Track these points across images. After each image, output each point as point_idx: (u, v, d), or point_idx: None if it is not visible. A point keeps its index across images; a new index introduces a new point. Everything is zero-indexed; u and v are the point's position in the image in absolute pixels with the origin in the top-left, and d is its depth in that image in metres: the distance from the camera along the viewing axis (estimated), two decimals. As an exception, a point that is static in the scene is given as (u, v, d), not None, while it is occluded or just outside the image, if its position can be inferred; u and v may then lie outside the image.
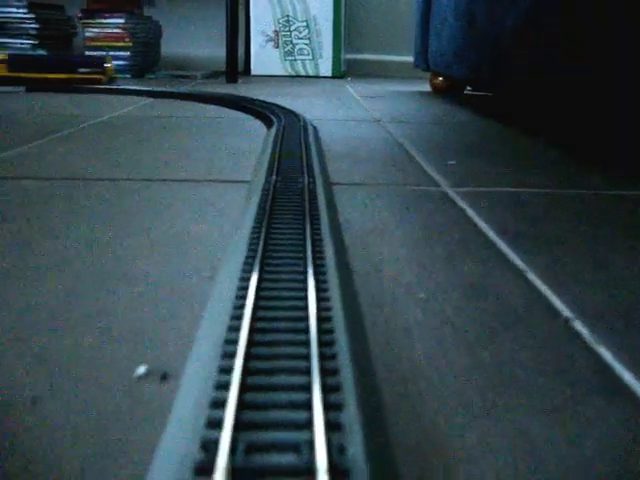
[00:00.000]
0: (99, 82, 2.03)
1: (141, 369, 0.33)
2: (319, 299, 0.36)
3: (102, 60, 2.09)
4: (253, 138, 1.07)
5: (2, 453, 0.27)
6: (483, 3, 1.44)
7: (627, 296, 0.45)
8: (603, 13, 0.92)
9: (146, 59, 2.56)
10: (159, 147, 0.98)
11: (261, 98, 1.62)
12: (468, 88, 2.23)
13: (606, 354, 0.37)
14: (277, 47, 2.83)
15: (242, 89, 2.10)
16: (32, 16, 2.22)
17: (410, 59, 2.35)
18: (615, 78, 0.90)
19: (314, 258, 0.42)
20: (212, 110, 1.50)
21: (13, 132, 1.13)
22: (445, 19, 1.80)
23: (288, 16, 2.80)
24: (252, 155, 0.91)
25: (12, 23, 2.22)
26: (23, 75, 2.00)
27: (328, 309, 0.35)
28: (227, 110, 1.50)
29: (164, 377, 0.32)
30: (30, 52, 2.23)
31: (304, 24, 2.81)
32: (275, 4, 2.80)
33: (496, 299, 0.44)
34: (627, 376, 0.35)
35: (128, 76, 2.41)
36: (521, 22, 1.21)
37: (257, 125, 1.26)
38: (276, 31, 2.82)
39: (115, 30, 2.36)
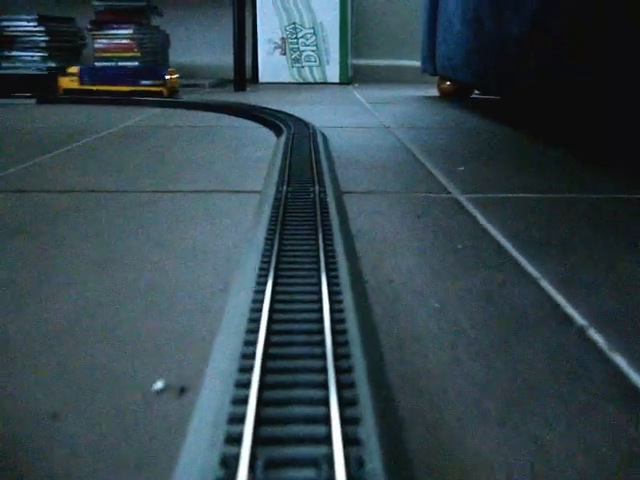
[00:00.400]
0: (160, 94, 1.99)
1: (159, 384, 0.33)
2: (333, 311, 0.36)
3: (163, 72, 2.04)
4: (263, 147, 1.08)
5: (24, 468, 0.27)
6: (490, 8, 1.45)
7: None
8: (604, 15, 0.92)
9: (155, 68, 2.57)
10: (170, 158, 0.99)
11: (269, 106, 1.62)
12: (476, 92, 2.23)
13: (621, 362, 0.37)
14: (284, 54, 2.84)
15: (250, 97, 2.11)
16: (42, 29, 2.24)
17: (417, 64, 2.36)
18: (617, 80, 0.90)
19: (327, 270, 0.43)
20: (221, 119, 1.51)
21: (25, 145, 1.14)
22: (452, 24, 1.80)
23: (295, 23, 2.82)
24: (263, 164, 0.91)
25: (23, 36, 2.24)
26: (93, 88, 2.03)
27: (342, 321, 0.36)
28: (236, 119, 1.50)
29: (182, 391, 0.32)
30: (97, 64, 2.26)
31: (311, 31, 2.82)
32: (282, 11, 2.81)
33: (510, 307, 0.44)
34: (642, 384, 0.35)
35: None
36: (528, 26, 1.21)
37: (266, 133, 1.26)
38: (283, 38, 2.83)
39: (124, 41, 2.37)
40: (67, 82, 2.05)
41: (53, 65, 2.25)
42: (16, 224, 0.62)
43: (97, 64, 2.29)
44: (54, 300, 0.44)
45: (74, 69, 2.06)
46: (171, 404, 0.32)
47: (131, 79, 2.03)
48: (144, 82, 2.00)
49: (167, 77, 2.00)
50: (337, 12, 2.80)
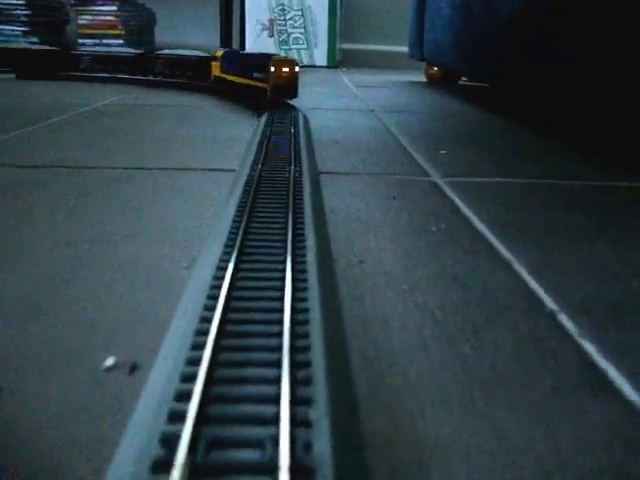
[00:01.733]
0: (263, 93, 1.24)
1: (109, 361, 0.32)
2: (296, 289, 0.35)
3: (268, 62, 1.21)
4: (243, 127, 1.06)
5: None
6: (478, -8, 1.43)
7: (614, 289, 0.44)
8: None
9: (139, 47, 2.53)
10: (147, 136, 0.97)
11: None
12: (463, 79, 2.21)
13: (590, 348, 0.36)
14: (272, 36, 2.81)
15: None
16: (23, 2, 2.20)
17: (405, 49, 2.34)
18: (600, 66, 0.89)
19: (294, 248, 0.41)
20: (204, 100, 1.48)
21: (2, 119, 1.11)
22: (440, 9, 1.79)
23: (283, 5, 2.78)
24: (241, 144, 0.89)
25: (3, 9, 2.20)
26: (228, 78, 1.45)
27: (305, 299, 0.34)
28: (219, 100, 1.48)
29: (133, 369, 0.31)
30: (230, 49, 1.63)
31: (299, 13, 2.78)
32: (270, -8, 2.78)
33: (481, 291, 0.43)
34: (612, 372, 0.34)
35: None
36: (517, 11, 1.20)
37: (248, 114, 1.24)
38: (271, 20, 2.80)
39: (108, 17, 2.33)
40: (215, 68, 1.53)
41: (35, 40, 2.21)
42: (-20, 197, 0.60)
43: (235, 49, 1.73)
44: (13, 272, 0.42)
45: (219, 52, 1.52)
46: (121, 382, 0.30)
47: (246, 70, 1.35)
48: (256, 75, 1.28)
49: (272, 69, 1.18)
50: (326, -6, 2.77)
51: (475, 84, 2.16)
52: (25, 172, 0.70)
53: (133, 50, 1.74)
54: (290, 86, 1.18)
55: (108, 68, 1.77)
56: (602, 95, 0.94)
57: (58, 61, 1.82)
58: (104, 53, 1.79)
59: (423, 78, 2.27)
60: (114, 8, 2.33)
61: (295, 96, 1.20)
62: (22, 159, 0.77)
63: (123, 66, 1.74)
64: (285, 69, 1.15)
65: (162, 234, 0.51)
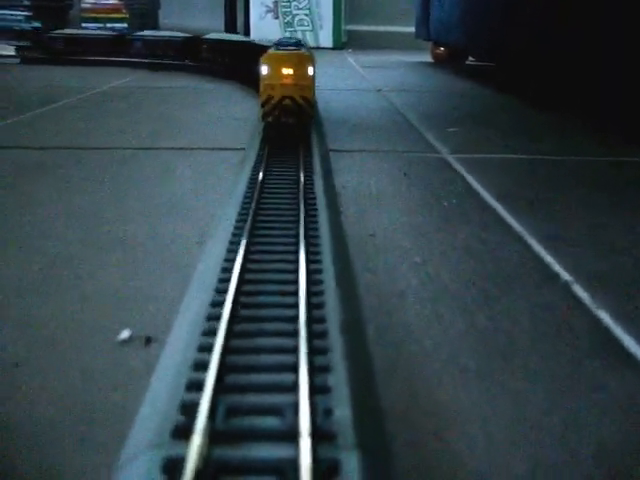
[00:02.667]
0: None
1: (124, 333, 0.32)
2: (309, 261, 0.35)
3: None
4: (252, 107, 1.05)
5: (-21, 419, 0.26)
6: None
7: (626, 260, 0.44)
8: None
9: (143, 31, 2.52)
10: (155, 117, 0.96)
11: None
12: (470, 59, 2.19)
13: (606, 317, 0.36)
14: (277, 18, 2.79)
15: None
16: (26, -13, 2.19)
17: (411, 29, 2.32)
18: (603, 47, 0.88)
19: (306, 223, 0.41)
20: (210, 81, 1.48)
21: (7, 103, 1.11)
22: (447, -13, 1.77)
23: (288, -14, 2.76)
24: (249, 124, 0.89)
25: (6, -6, 2.19)
26: None
27: (319, 271, 0.34)
28: (225, 81, 1.47)
29: (148, 341, 0.31)
30: None
31: (304, -6, 2.76)
32: (274, -26, 2.75)
33: (493, 263, 0.42)
34: (627, 340, 0.34)
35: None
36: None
37: (255, 95, 1.24)
38: (276, 1, 2.78)
39: (111, 1, 2.32)
40: None
41: (38, 25, 2.20)
42: (-10, 178, 0.60)
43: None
44: (26, 251, 0.42)
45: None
46: (136, 354, 0.30)
47: None
48: None
49: (264, 70, 0.66)
50: (331, -25, 2.74)
51: (481, 63, 2.14)
52: (35, 154, 0.70)
53: (182, 35, 1.69)
54: (300, 106, 0.63)
55: (159, 53, 1.69)
56: (605, 75, 0.93)
57: (114, 46, 1.77)
58: (154, 37, 1.73)
59: (429, 58, 2.25)
60: (117, -9, 2.32)
61: (307, 133, 0.65)
62: (32, 141, 0.77)
63: (172, 51, 1.67)
64: (286, 71, 0.63)
65: (173, 212, 0.51)
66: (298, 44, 0.71)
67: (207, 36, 1.62)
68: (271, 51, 0.66)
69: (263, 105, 0.64)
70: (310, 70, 0.64)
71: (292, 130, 0.64)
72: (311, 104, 0.64)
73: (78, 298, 0.36)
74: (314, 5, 2.78)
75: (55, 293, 0.36)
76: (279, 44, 0.70)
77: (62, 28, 2.16)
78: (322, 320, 0.29)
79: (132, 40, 1.72)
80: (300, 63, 0.63)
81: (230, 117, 0.97)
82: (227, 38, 1.60)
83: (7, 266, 0.40)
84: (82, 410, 0.26)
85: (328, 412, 0.23)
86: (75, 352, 0.30)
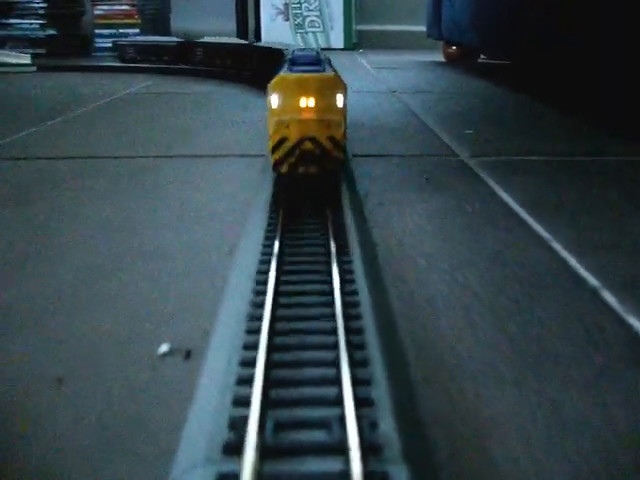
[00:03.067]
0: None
1: (164, 347, 0.32)
2: (342, 271, 0.35)
3: None
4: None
5: (30, 433, 0.26)
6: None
7: (656, 264, 0.44)
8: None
9: (156, 35, 2.54)
10: (173, 123, 0.97)
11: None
12: (482, 57, 2.19)
13: (636, 323, 0.36)
14: (287, 20, 2.80)
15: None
16: (40, -5, 2.21)
17: (423, 29, 2.31)
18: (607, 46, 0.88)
19: (335, 231, 0.42)
20: (223, 85, 1.49)
21: (27, 112, 1.12)
22: (458, -14, 1.76)
23: (298, -12, 2.76)
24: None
25: (21, 3, 2.21)
26: None
27: (352, 281, 0.35)
28: (239, 85, 1.48)
29: (188, 355, 0.32)
30: None
31: (314, -5, 2.77)
32: (284, -24, 2.76)
33: (521, 269, 0.43)
34: (659, 346, 0.34)
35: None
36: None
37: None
38: (286, 4, 2.78)
39: (124, 7, 2.34)
40: None
41: (53, 32, 2.22)
42: (20, 190, 0.61)
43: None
44: (59, 264, 0.43)
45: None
46: (177, 367, 0.31)
47: None
48: None
49: (273, 100, 0.48)
50: (341, -24, 2.75)
51: (494, 61, 2.13)
52: (58, 165, 0.71)
53: (241, 40, 1.65)
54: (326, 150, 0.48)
55: (225, 60, 1.57)
56: (623, 70, 0.93)
57: (187, 52, 1.70)
58: (220, 43, 1.63)
59: (441, 57, 2.25)
60: (130, -3, 2.34)
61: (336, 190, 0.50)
62: (55, 151, 0.78)
63: (232, 57, 1.56)
64: (306, 101, 0.47)
65: (200, 221, 0.51)
66: (318, 60, 0.56)
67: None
68: (283, 73, 0.48)
69: (274, 150, 0.47)
70: (340, 99, 0.47)
71: (314, 183, 0.49)
72: (341, 147, 0.47)
73: (114, 311, 0.37)
74: (324, 6, 2.78)
75: (91, 306, 0.37)
76: (293, 61, 0.55)
77: (76, 35, 2.18)
78: (360, 331, 0.29)
79: (195, 46, 1.69)
80: (325, 89, 0.47)
81: (250, 121, 0.97)
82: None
83: (41, 280, 0.41)
84: (128, 425, 0.27)
85: (374, 425, 0.23)
86: (116, 367, 0.31)
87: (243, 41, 1.56)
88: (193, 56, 1.66)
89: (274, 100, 0.47)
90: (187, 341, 0.33)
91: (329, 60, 0.64)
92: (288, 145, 0.47)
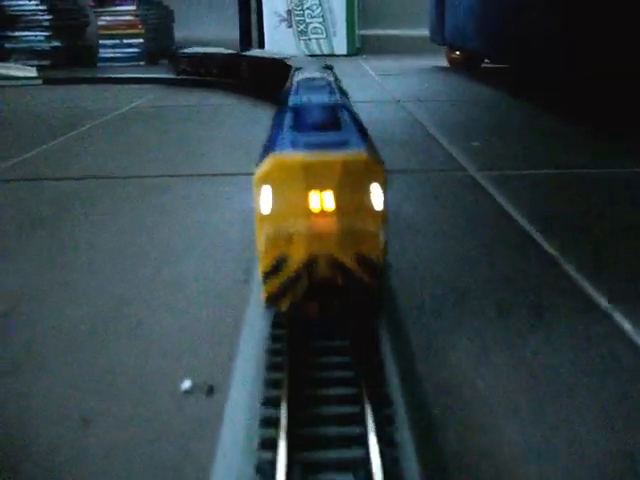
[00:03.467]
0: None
1: (186, 383, 0.33)
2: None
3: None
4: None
5: (58, 473, 0.27)
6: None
7: (667, 284, 0.44)
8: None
9: (159, 45, 2.55)
10: (179, 139, 0.98)
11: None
12: (486, 61, 2.19)
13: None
14: (291, 27, 2.80)
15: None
16: (44, 7, 2.22)
17: (426, 33, 2.32)
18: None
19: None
20: (230, 97, 1.49)
21: (35, 128, 1.13)
22: (461, -8, 1.77)
23: (300, -6, 2.77)
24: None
25: (25, 15, 2.23)
26: None
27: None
28: (245, 97, 1.49)
29: (210, 391, 0.32)
30: None
31: (317, 2, 2.77)
32: (286, -17, 2.77)
33: (533, 292, 0.43)
34: (674, 371, 0.34)
35: (142, 63, 2.41)
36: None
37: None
38: (289, 11, 2.79)
39: (127, 17, 2.35)
40: None
41: (57, 44, 2.23)
42: (33, 215, 0.62)
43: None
44: (77, 297, 0.44)
45: None
46: (200, 404, 0.31)
47: None
48: None
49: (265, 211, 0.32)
50: (343, -18, 2.75)
51: (498, 66, 2.14)
52: (68, 186, 0.72)
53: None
54: (353, 277, 0.32)
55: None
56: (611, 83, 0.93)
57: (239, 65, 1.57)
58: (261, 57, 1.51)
59: (445, 62, 2.25)
60: (132, 8, 2.35)
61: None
62: (62, 171, 0.79)
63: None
64: (319, 198, 0.31)
65: (214, 246, 0.52)
66: (336, 119, 0.36)
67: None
68: (279, 151, 0.31)
69: (267, 277, 0.32)
70: (376, 193, 0.32)
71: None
72: (377, 271, 0.32)
73: (135, 345, 0.37)
74: (327, 12, 2.79)
75: (112, 341, 0.38)
76: (297, 119, 0.36)
77: (81, 46, 2.19)
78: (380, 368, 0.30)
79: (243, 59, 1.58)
80: (352, 179, 0.31)
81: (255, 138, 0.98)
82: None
83: (59, 312, 0.41)
84: (154, 464, 0.28)
85: (397, 465, 0.24)
86: (140, 405, 0.31)
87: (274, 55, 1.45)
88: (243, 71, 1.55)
89: (265, 198, 0.31)
90: (208, 375, 0.34)
91: (348, 102, 0.45)
92: (291, 269, 0.31)
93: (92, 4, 2.38)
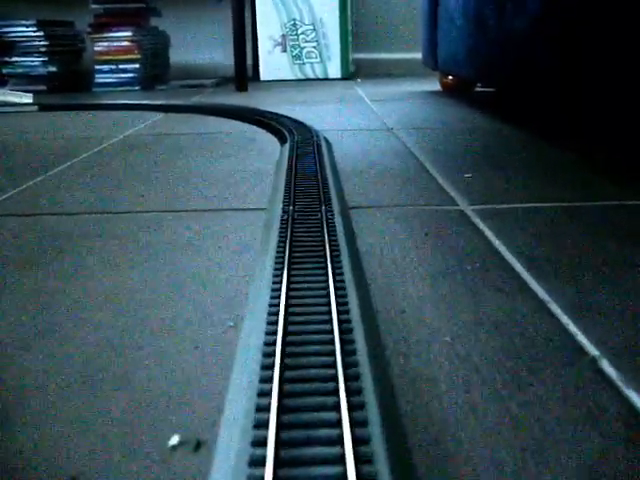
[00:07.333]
0: None
1: (174, 439, 0.33)
2: (345, 353, 0.36)
3: None
4: (267, 157, 1.07)
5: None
6: (493, 2, 1.43)
7: (653, 329, 0.45)
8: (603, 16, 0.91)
9: (155, 70, 2.57)
10: (175, 172, 0.99)
11: (271, 108, 1.62)
12: (478, 85, 2.21)
13: (637, 399, 0.37)
14: (285, 51, 2.83)
15: (252, 98, 2.10)
16: (41, 34, 2.24)
17: (419, 56, 2.34)
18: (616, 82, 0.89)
19: (337, 304, 0.43)
20: (223, 124, 1.50)
21: (32, 158, 1.14)
22: (453, 19, 1.79)
23: (295, 20, 2.80)
24: (268, 178, 0.91)
25: (22, 41, 2.25)
26: None
27: (355, 364, 0.36)
28: (240, 124, 1.50)
29: (198, 446, 0.32)
30: None
31: (311, 27, 2.80)
32: (281, 8, 2.80)
33: (521, 339, 0.44)
34: (658, 422, 0.35)
35: (137, 88, 2.43)
36: (531, 23, 1.20)
37: (270, 140, 1.26)
38: (284, 35, 2.82)
39: (124, 43, 2.37)
40: None
41: (54, 69, 2.25)
42: (24, 253, 0.62)
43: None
44: (67, 342, 0.44)
45: None
46: (187, 460, 0.32)
47: None
48: None
49: None
50: (337, 7, 2.78)
51: (491, 90, 2.16)
52: (63, 222, 0.72)
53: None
54: None
55: None
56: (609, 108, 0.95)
57: None
58: None
59: (437, 86, 2.28)
60: (129, 33, 2.37)
61: None
62: (59, 207, 0.79)
63: None
64: None
65: (202, 289, 0.52)
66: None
67: None
68: None
69: None
70: None
71: None
72: None
73: (123, 395, 0.37)
74: (321, 37, 2.82)
75: (101, 390, 0.38)
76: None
77: (77, 71, 2.21)
78: (364, 424, 0.30)
79: None
80: None
81: (255, 171, 0.99)
82: None
83: (49, 360, 0.42)
84: (141, 525, 0.28)
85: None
86: (128, 461, 0.32)
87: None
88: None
89: None
90: (196, 428, 0.34)
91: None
92: None
93: (89, 30, 2.40)
